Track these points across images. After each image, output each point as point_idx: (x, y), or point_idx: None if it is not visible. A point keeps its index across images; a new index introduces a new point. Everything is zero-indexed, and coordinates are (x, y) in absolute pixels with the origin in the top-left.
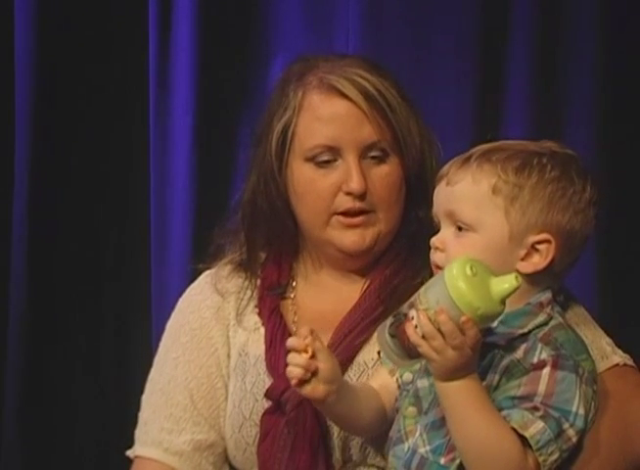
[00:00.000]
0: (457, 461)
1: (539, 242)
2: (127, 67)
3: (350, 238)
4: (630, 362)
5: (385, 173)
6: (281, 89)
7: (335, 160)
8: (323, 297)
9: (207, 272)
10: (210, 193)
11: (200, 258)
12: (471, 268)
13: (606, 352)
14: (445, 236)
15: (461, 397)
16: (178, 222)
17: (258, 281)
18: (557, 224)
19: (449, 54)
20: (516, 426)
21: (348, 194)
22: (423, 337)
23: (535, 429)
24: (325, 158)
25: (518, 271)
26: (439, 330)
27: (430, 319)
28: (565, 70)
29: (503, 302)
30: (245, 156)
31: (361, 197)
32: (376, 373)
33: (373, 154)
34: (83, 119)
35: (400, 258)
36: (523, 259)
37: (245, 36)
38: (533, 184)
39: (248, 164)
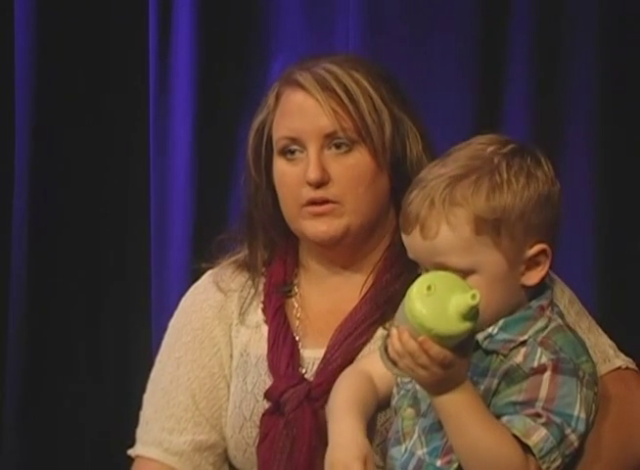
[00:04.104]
0: (455, 465)
1: (537, 254)
2: (127, 67)
3: (319, 227)
4: (633, 366)
5: (348, 164)
6: (268, 89)
7: (301, 151)
8: (325, 296)
9: (211, 271)
10: (210, 193)
11: (202, 258)
12: (428, 287)
13: (608, 356)
14: None
15: (454, 408)
16: (178, 222)
17: (262, 279)
18: (544, 227)
19: (449, 54)
20: (518, 434)
21: (309, 184)
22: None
23: (538, 437)
24: (292, 153)
25: (524, 286)
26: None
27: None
28: (565, 70)
29: (466, 319)
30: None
31: (320, 186)
32: (376, 359)
33: (335, 144)
34: (83, 119)
35: (402, 262)
36: (524, 274)
37: (245, 36)
38: (509, 206)
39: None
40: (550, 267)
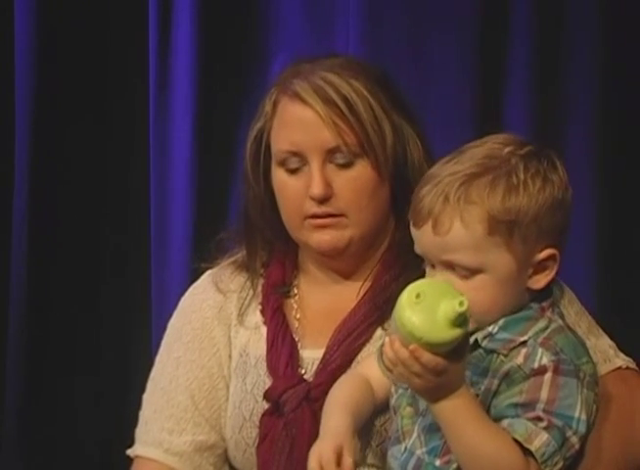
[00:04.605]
0: (454, 465)
1: (546, 259)
2: (127, 67)
3: (322, 238)
4: (633, 366)
5: (351, 177)
6: (265, 94)
7: (303, 165)
8: (324, 297)
9: (210, 271)
10: (210, 193)
11: (202, 258)
12: (417, 295)
13: (608, 355)
14: (450, 279)
15: (451, 414)
16: (178, 222)
17: (261, 280)
18: (555, 232)
19: (449, 54)
20: (520, 439)
21: (312, 199)
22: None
23: (540, 441)
24: (293, 165)
25: (529, 288)
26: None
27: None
28: (565, 70)
29: (455, 326)
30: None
31: (324, 202)
32: (374, 362)
33: (338, 157)
34: (83, 119)
35: (400, 264)
36: (531, 277)
37: (245, 36)
38: (524, 209)
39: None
40: (557, 273)
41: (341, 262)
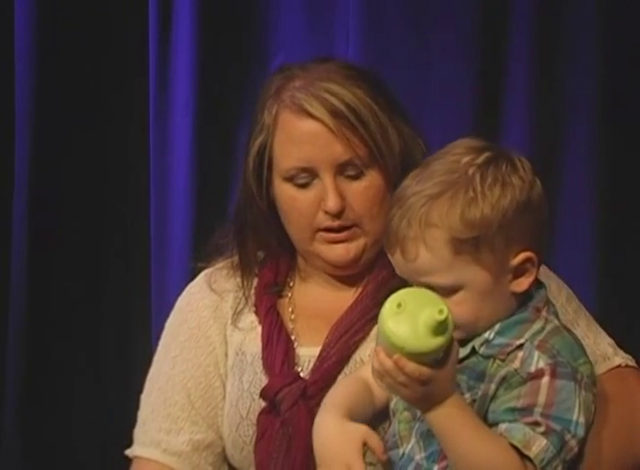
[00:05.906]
0: None
1: (522, 263)
2: (127, 66)
3: (336, 252)
4: (632, 363)
5: (363, 188)
6: (260, 104)
7: (313, 178)
8: (320, 295)
9: (205, 272)
10: (210, 193)
11: (199, 257)
12: (399, 305)
13: (607, 354)
14: None
15: (444, 423)
16: (178, 222)
17: (255, 280)
18: (526, 234)
19: (449, 54)
20: (519, 445)
21: (327, 213)
22: None
23: (539, 448)
24: (302, 180)
25: (514, 292)
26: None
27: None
28: (565, 70)
29: (436, 334)
30: (241, 158)
31: (339, 215)
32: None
33: (349, 170)
34: (83, 119)
35: None
36: (512, 282)
37: (245, 36)
38: (486, 221)
39: (239, 171)
40: (548, 266)
41: (347, 271)
